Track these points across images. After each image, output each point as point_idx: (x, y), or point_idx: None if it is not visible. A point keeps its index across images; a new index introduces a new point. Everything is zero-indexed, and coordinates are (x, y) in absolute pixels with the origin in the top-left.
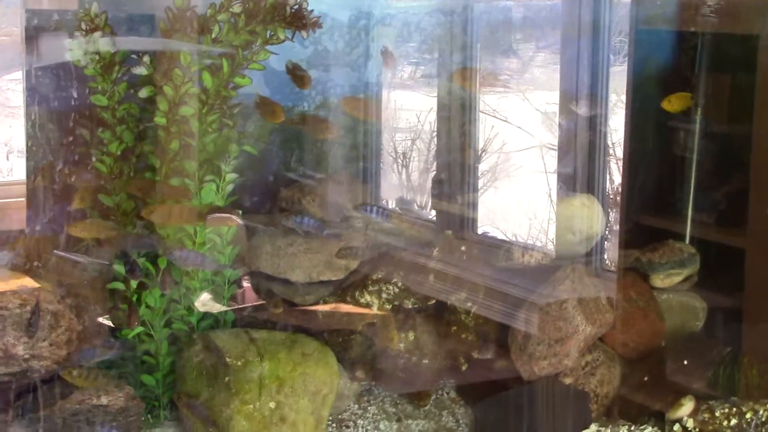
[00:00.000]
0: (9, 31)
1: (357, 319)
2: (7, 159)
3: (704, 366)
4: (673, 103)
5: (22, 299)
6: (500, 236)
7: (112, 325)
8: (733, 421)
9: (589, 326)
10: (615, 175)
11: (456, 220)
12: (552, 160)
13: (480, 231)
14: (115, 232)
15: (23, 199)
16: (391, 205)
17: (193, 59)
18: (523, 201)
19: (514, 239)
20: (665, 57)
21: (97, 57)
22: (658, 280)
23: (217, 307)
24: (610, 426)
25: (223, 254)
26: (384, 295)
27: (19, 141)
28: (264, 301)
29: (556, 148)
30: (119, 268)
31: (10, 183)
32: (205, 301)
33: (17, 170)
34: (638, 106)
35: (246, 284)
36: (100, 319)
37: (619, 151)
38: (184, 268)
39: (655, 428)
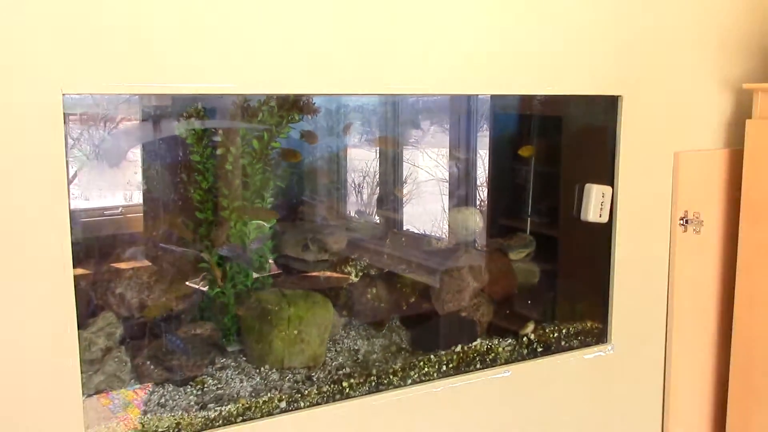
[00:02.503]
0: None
1: (342, 281)
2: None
3: (539, 304)
4: (524, 151)
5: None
6: (417, 232)
7: (202, 288)
8: (556, 335)
9: (475, 282)
10: (483, 196)
11: (391, 222)
12: (445, 188)
13: (405, 228)
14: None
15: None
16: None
17: (247, 132)
18: (430, 212)
19: (425, 233)
20: (513, 129)
21: (194, 133)
22: (513, 256)
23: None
24: (488, 339)
25: (266, 246)
26: (358, 267)
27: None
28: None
29: (448, 181)
30: (206, 255)
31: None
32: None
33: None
34: (497, 157)
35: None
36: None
37: (485, 181)
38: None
39: (512, 339)
